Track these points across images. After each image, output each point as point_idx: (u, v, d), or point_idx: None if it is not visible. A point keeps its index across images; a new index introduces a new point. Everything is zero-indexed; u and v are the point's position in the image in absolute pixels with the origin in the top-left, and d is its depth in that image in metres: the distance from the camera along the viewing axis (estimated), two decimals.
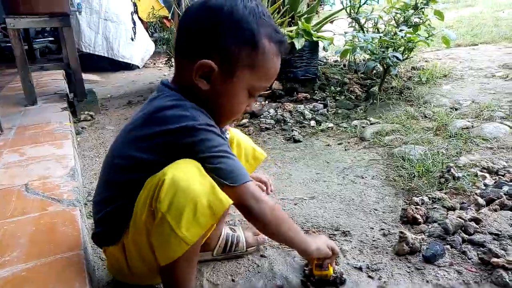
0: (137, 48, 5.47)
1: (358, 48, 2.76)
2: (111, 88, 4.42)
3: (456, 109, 2.56)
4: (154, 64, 6.00)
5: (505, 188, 1.52)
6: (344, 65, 3.66)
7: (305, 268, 1.22)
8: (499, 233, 1.28)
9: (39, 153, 1.91)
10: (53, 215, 1.32)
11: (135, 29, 4.89)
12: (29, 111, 2.78)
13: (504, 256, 1.15)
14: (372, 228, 1.43)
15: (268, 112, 2.78)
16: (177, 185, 0.83)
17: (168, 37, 4.94)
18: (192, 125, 0.87)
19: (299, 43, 2.83)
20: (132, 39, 4.88)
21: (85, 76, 3.50)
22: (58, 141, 2.08)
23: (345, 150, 2.21)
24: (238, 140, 1.22)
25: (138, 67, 5.62)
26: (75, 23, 4.79)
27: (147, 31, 5.84)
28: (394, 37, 2.78)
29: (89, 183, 1.89)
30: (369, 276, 1.19)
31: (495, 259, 1.14)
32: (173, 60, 4.41)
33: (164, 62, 4.84)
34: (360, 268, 1.22)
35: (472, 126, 2.24)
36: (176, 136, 0.88)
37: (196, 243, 0.90)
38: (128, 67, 5.59)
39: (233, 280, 1.20)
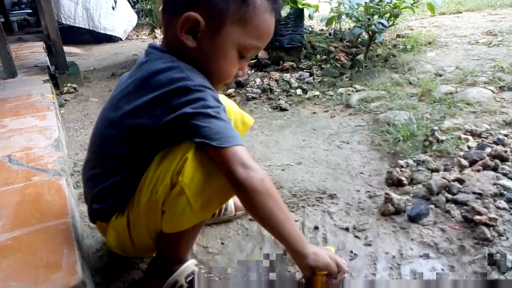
0: (119, 19, 5.32)
1: (344, 15, 2.72)
2: (94, 61, 4.32)
3: (440, 75, 2.58)
4: (137, 36, 5.86)
5: (488, 150, 1.55)
6: (330, 34, 3.62)
7: None
8: (482, 192, 1.31)
9: (21, 125, 1.86)
10: (38, 185, 1.30)
11: None
12: (8, 84, 2.70)
13: (486, 213, 1.18)
14: (358, 191, 1.45)
15: (254, 81, 2.75)
16: (202, 163, 0.84)
17: (151, 8, 4.81)
18: (186, 85, 0.83)
19: (284, 11, 2.78)
20: (113, 8, 4.74)
21: (66, 49, 3.40)
22: (41, 113, 2.03)
23: (331, 117, 2.22)
24: (226, 106, 1.19)
25: (121, 39, 5.49)
26: None
27: (129, 1, 5.67)
28: (380, 3, 2.75)
29: (74, 154, 1.87)
30: (356, 236, 1.22)
31: (477, 217, 1.17)
32: (156, 31, 4.31)
33: (148, 34, 4.73)
34: (346, 229, 1.25)
35: (456, 91, 2.26)
36: (171, 98, 0.83)
37: None
38: (111, 39, 5.46)
39: (222, 243, 1.22)
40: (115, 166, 0.93)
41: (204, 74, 0.90)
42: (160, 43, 0.98)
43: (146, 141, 0.89)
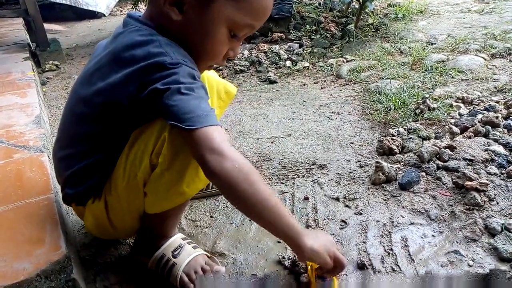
0: None
1: None
2: (77, 38, 4.20)
3: (432, 44, 2.54)
4: (121, 11, 5.70)
5: (479, 116, 1.53)
6: (320, 4, 3.54)
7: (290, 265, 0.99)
8: (473, 158, 1.29)
9: (1, 103, 1.80)
10: (20, 162, 1.26)
11: None
12: None
13: (477, 179, 1.17)
14: (349, 161, 1.43)
15: (242, 53, 2.69)
16: (181, 142, 0.78)
17: None
18: (163, 61, 0.75)
19: None
20: None
21: (48, 26, 3.30)
22: (21, 90, 1.97)
23: (321, 88, 2.18)
24: (208, 78, 1.13)
25: (104, 15, 5.33)
26: None
27: None
28: None
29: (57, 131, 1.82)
30: (346, 206, 1.20)
31: (468, 182, 1.16)
32: (140, 5, 4.18)
33: (131, 8, 4.59)
34: (337, 199, 1.23)
35: (448, 59, 2.23)
36: (145, 74, 0.76)
37: None
38: (94, 15, 5.30)
39: (211, 217, 1.20)
40: (87, 147, 0.87)
41: (189, 51, 0.82)
42: (141, 13, 0.91)
43: (120, 119, 0.83)
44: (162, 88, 0.74)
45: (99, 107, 0.83)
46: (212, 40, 0.83)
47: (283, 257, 1.01)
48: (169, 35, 0.81)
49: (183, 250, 0.96)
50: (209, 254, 1.00)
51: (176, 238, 0.98)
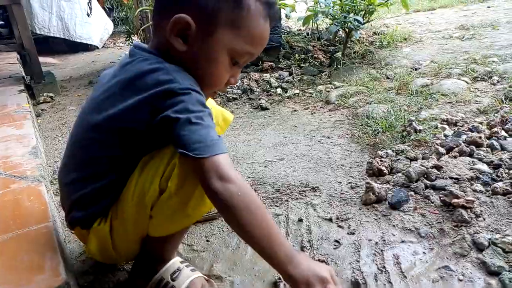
0: (95, 27, 5.27)
1: (320, 13, 2.76)
2: (71, 70, 4.27)
3: (416, 69, 2.64)
4: (114, 43, 5.82)
5: (464, 137, 1.59)
6: (308, 33, 3.67)
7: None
8: (459, 177, 1.34)
9: None
10: (17, 192, 1.28)
11: (90, 4, 4.68)
12: None
13: (464, 196, 1.21)
14: (340, 183, 1.47)
15: None
16: (190, 169, 0.82)
17: (126, 15, 4.79)
18: (172, 88, 0.79)
19: None
20: (88, 15, 4.69)
21: (42, 59, 3.36)
22: (17, 122, 2.00)
23: (312, 114, 2.24)
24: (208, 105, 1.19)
25: (98, 48, 5.43)
26: (26, 2, 4.54)
27: (104, 9, 5.62)
28: (355, 1, 2.80)
29: (53, 162, 1.84)
30: (339, 226, 1.23)
31: (455, 200, 1.20)
32: (133, 38, 4.29)
33: (124, 41, 4.70)
34: (330, 219, 1.26)
35: (432, 83, 2.32)
36: (156, 101, 0.80)
37: None
38: (87, 48, 5.41)
39: (207, 241, 1.22)
40: (96, 170, 0.90)
41: (195, 78, 0.87)
42: (146, 43, 0.96)
43: (131, 144, 0.87)
44: (173, 116, 0.78)
45: (110, 133, 0.87)
46: (215, 68, 0.88)
47: (279, 278, 1.03)
48: (176, 63, 0.85)
49: (182, 273, 0.98)
50: (206, 277, 1.02)
51: (175, 262, 1.00)
